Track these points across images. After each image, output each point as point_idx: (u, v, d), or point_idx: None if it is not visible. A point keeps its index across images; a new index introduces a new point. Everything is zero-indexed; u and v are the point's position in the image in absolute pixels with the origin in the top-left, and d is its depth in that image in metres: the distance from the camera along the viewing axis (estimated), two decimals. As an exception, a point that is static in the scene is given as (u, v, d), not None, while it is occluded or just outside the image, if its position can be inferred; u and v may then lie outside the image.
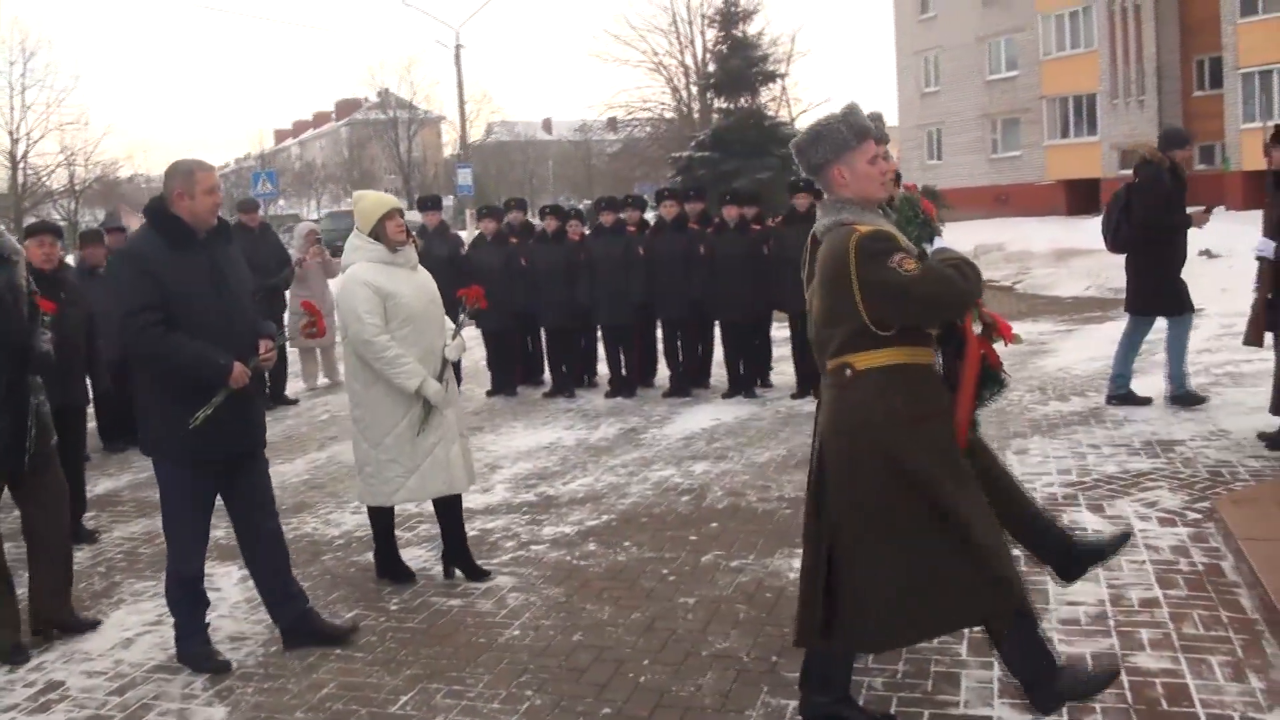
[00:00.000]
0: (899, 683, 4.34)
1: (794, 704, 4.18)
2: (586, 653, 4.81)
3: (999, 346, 4.07)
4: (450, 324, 5.90)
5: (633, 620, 5.14)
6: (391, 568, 5.92)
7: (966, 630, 4.77)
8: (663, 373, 11.46)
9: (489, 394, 11.55)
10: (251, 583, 5.26)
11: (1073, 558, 4.30)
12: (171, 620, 5.02)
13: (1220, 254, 16.67)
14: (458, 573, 5.87)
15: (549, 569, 5.91)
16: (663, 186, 14.63)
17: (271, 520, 5.08)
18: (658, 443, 8.90)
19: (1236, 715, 3.92)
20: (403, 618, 5.36)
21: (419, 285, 5.65)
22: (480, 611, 5.39)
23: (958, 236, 29.79)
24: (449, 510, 5.84)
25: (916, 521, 3.65)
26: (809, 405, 9.99)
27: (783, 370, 11.08)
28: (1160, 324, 8.80)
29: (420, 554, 6.30)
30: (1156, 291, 8.61)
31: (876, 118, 4.34)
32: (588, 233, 11.45)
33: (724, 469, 7.92)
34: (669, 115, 45.89)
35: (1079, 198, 35.89)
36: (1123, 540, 4.46)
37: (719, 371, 11.12)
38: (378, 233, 5.53)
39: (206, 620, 5.09)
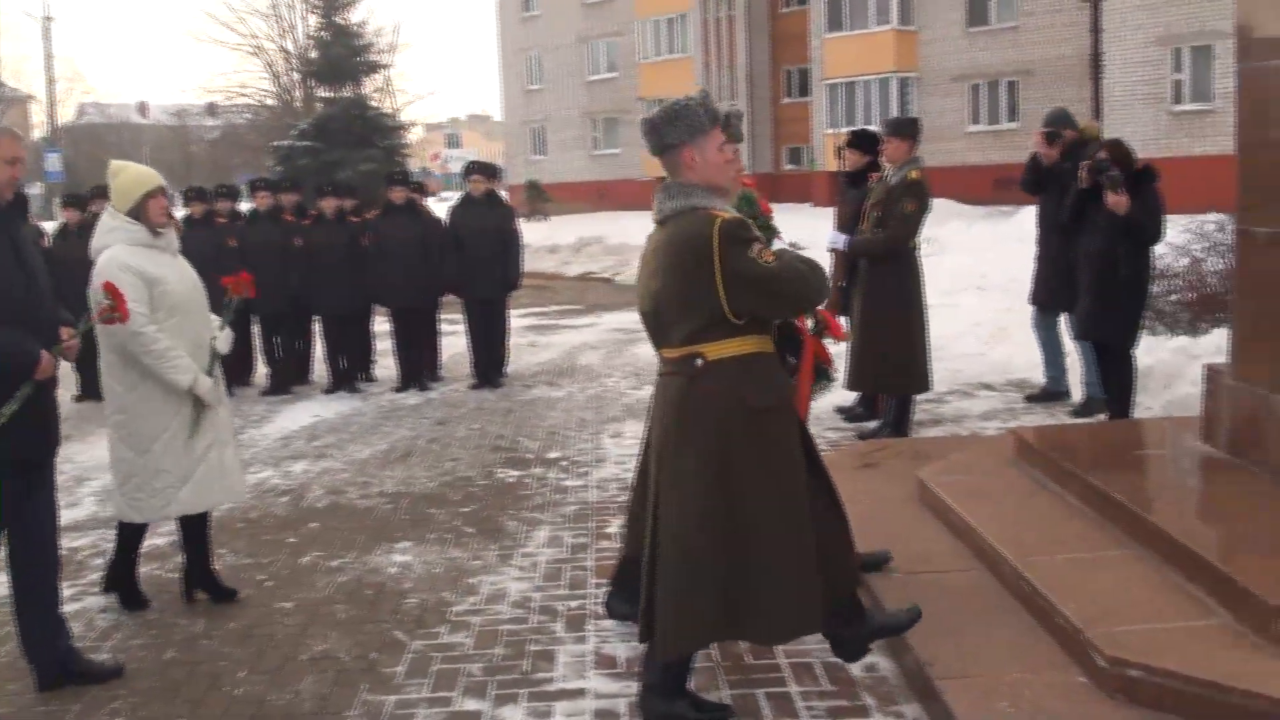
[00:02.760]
0: (497, 665, 4.42)
1: (393, 699, 4.17)
2: (180, 669, 4.57)
3: (828, 343, 4.10)
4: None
5: (228, 630, 4.94)
6: (128, 591, 5.33)
7: (562, 607, 4.96)
8: (260, 370, 11.07)
9: (76, 399, 10.64)
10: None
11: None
12: None
13: (805, 246, 18.05)
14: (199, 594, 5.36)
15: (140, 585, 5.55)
16: (257, 176, 14.10)
17: (54, 546, 4.47)
18: (255, 444, 8.57)
19: (817, 662, 4.26)
20: (-26, 651, 4.86)
21: (182, 271, 5.11)
22: (65, 637, 4.98)
23: (562, 229, 30.49)
24: (196, 525, 5.31)
25: (756, 522, 3.60)
26: (412, 399, 9.98)
27: (385, 364, 10.98)
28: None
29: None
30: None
31: (737, 115, 4.28)
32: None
33: (324, 467, 7.75)
34: (270, 102, 44.27)
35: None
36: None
37: (320, 367, 10.89)
38: (137, 212, 4.94)
39: None
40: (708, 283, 3.50)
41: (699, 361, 3.62)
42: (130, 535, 5.30)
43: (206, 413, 5.09)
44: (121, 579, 5.37)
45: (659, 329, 3.75)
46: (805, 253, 3.90)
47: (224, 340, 5.32)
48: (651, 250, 3.76)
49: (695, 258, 3.52)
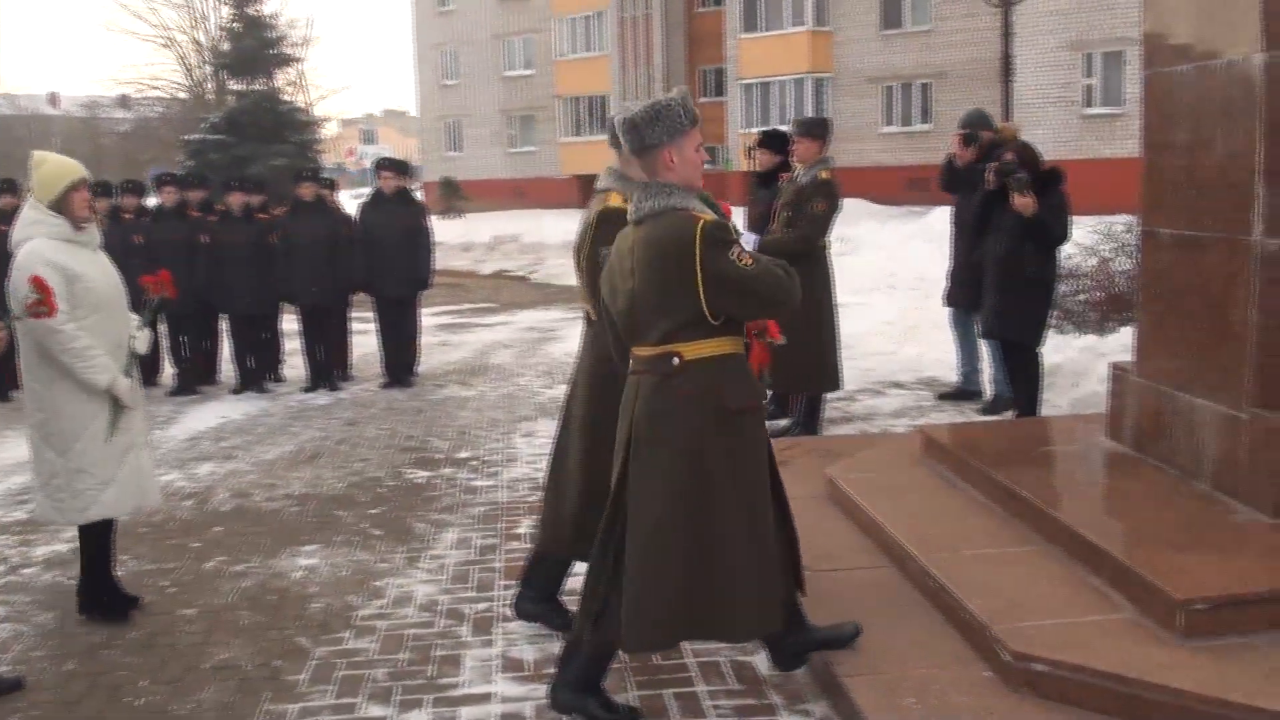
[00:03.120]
0: (402, 671, 4.34)
1: (296, 707, 4.08)
2: (80, 682, 4.42)
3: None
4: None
5: (129, 639, 4.80)
6: (111, 597, 5.11)
7: (469, 610, 4.89)
8: (166, 370, 10.78)
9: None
10: None
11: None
12: None
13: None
14: None
15: (41, 593, 5.36)
16: (165, 171, 13.76)
17: None
18: (161, 445, 8.32)
19: (723, 659, 4.27)
20: None
21: (104, 268, 4.93)
22: (-40, 649, 4.80)
23: (478, 226, 30.16)
24: (103, 530, 5.09)
25: (727, 521, 3.63)
26: (321, 399, 9.81)
27: (294, 364, 10.74)
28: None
29: None
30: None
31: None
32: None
33: (231, 469, 7.58)
34: (182, 95, 43.43)
35: (591, 193, 37.68)
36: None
37: (227, 367, 10.62)
38: (60, 205, 4.76)
39: None
40: (688, 283, 3.54)
41: (675, 360, 3.64)
42: (92, 543, 5.09)
43: (124, 414, 4.93)
44: (99, 589, 5.14)
45: (633, 327, 3.75)
46: None
47: (143, 340, 5.15)
48: (628, 249, 3.74)
49: (677, 258, 3.55)
